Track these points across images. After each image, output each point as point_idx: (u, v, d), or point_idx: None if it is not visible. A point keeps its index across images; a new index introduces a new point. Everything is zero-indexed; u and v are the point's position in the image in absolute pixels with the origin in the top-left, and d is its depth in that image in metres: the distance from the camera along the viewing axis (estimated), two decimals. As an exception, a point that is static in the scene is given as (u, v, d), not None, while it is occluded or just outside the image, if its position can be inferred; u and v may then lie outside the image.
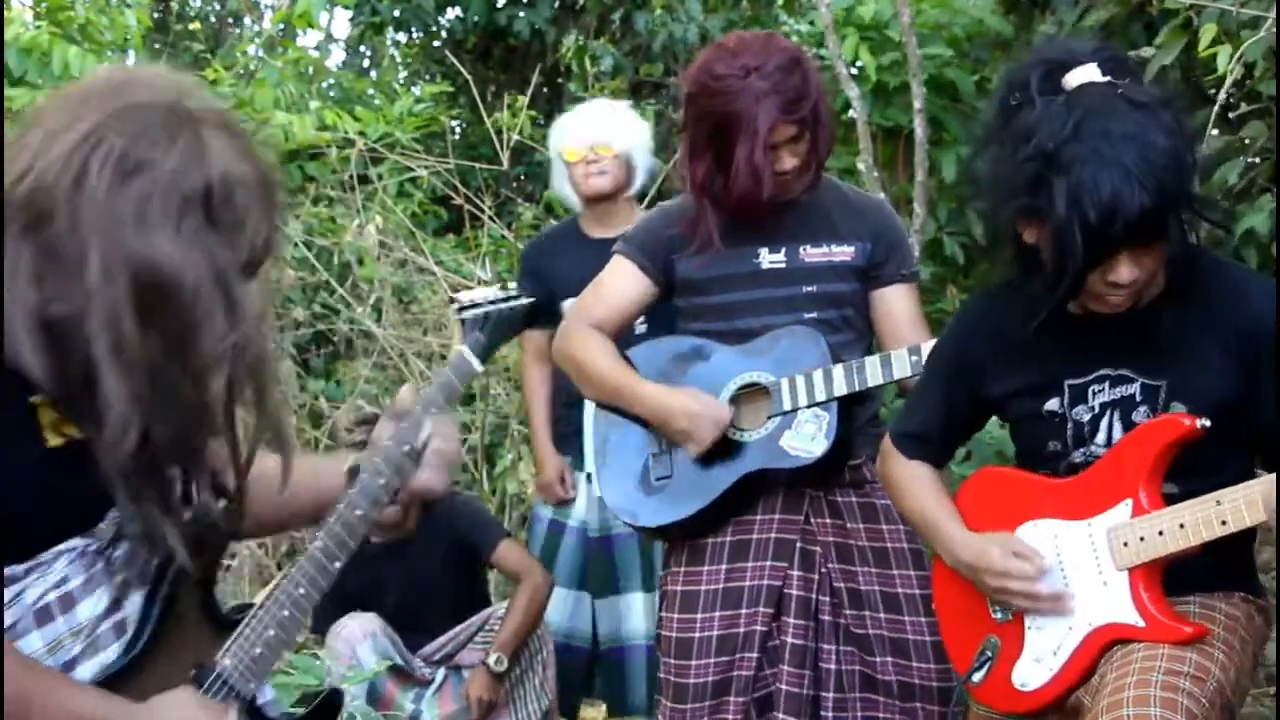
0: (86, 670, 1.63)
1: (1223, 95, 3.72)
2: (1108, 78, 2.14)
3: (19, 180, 1.52)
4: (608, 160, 3.94)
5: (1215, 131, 3.89)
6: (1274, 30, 3.54)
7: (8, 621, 1.57)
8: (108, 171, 1.50)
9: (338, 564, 1.84)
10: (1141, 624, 2.22)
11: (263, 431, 1.66)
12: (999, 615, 2.40)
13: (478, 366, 2.03)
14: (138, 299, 1.49)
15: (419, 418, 1.90)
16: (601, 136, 3.95)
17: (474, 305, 2.07)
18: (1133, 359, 2.27)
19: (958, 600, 2.48)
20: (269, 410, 1.64)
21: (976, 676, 2.39)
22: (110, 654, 1.64)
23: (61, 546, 1.61)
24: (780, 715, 2.88)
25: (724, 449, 2.90)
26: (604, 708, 4.26)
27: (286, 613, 1.78)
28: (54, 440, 1.58)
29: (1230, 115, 3.94)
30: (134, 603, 1.66)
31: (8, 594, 1.58)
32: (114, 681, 1.62)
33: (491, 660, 3.71)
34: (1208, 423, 2.19)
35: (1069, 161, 2.05)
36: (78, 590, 1.62)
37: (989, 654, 2.38)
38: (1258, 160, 3.89)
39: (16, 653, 1.56)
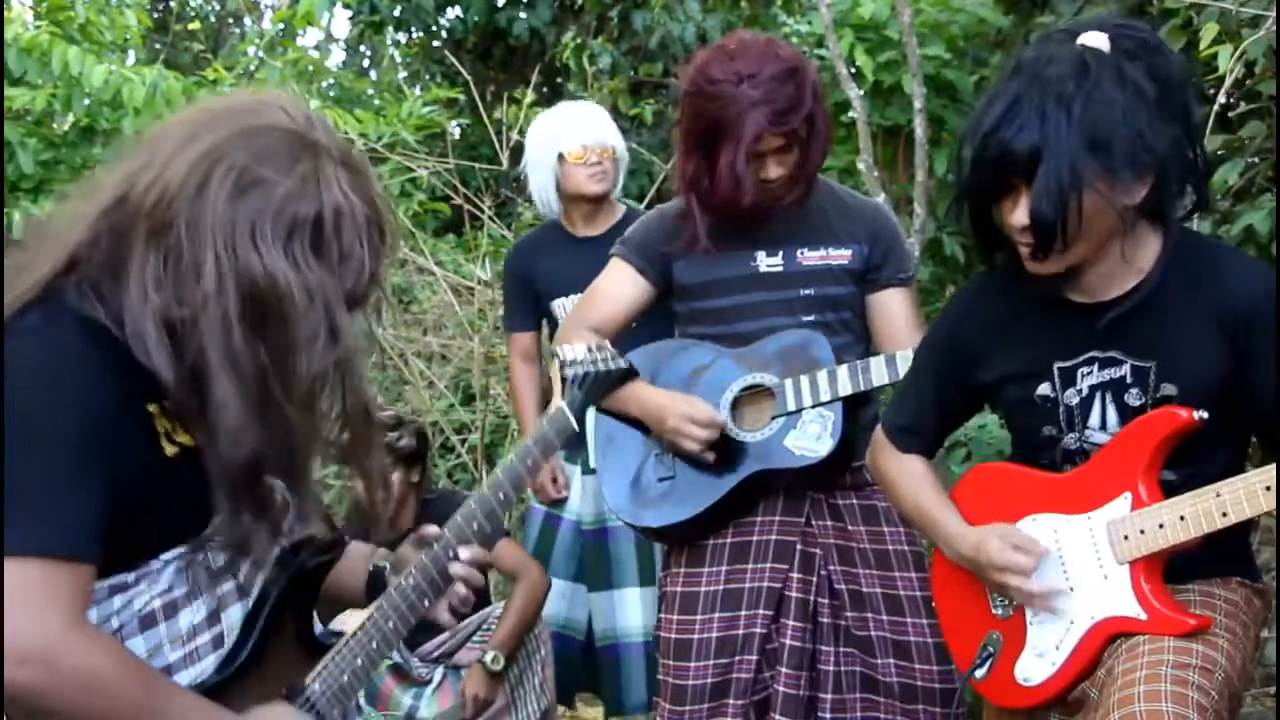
0: (182, 679, 1.66)
1: (1222, 95, 3.72)
2: (1109, 50, 2.16)
3: (147, 189, 1.58)
4: (609, 162, 3.96)
5: (1216, 130, 3.89)
6: (1274, 30, 3.54)
7: (115, 626, 1.62)
8: (228, 184, 1.56)
9: (427, 602, 1.89)
10: (1144, 617, 2.22)
11: (365, 458, 1.71)
12: (1000, 611, 2.40)
13: (575, 426, 2.04)
14: (247, 308, 1.55)
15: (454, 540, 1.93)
16: (603, 138, 3.97)
17: (577, 363, 2.09)
18: (1121, 341, 2.28)
19: (958, 597, 2.48)
20: (366, 439, 1.69)
21: (979, 673, 2.39)
22: (208, 665, 1.67)
23: (168, 555, 1.65)
24: (777, 717, 2.88)
25: (726, 450, 2.90)
26: (601, 708, 4.27)
27: (375, 644, 1.84)
28: (169, 449, 1.64)
29: (1230, 115, 3.94)
30: (233, 616, 1.70)
31: (118, 601, 1.62)
32: (207, 694, 1.65)
33: (488, 659, 3.71)
34: (1205, 414, 2.19)
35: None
36: (181, 599, 1.66)
37: (991, 650, 2.38)
38: (1257, 160, 3.89)
39: (136, 657, 1.60)
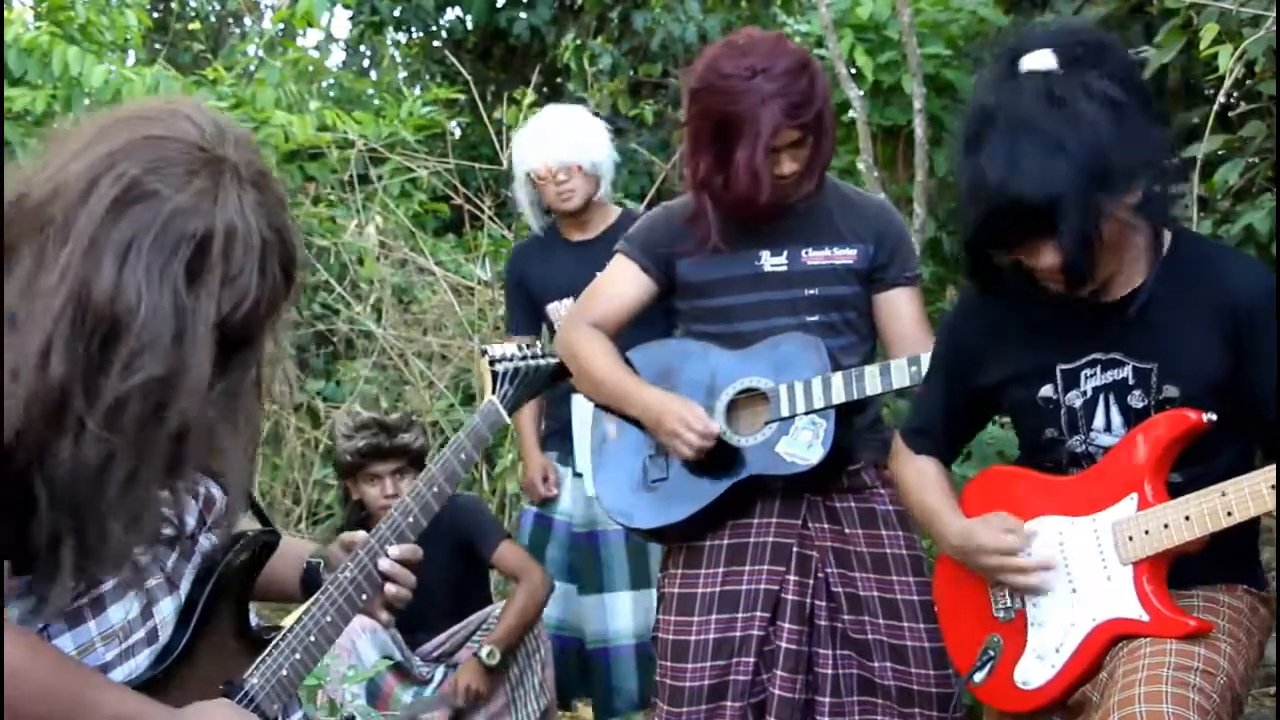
0: (117, 676, 1.63)
1: (1222, 95, 3.72)
2: (1058, 66, 2.15)
3: (41, 188, 1.53)
4: (576, 179, 3.95)
5: (1216, 130, 3.89)
6: (1274, 30, 3.54)
7: (39, 625, 1.57)
8: (113, 193, 1.50)
9: (365, 597, 1.89)
10: (1146, 618, 2.22)
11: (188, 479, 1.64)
12: (1001, 614, 2.40)
13: (506, 418, 2.08)
14: (76, 315, 1.47)
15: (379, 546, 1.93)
16: (568, 155, 3.95)
17: (505, 359, 2.13)
18: (1123, 343, 2.28)
19: (959, 600, 2.48)
20: (192, 464, 1.60)
21: (978, 676, 2.39)
22: (141, 661, 1.65)
23: None
24: (771, 720, 2.87)
25: (720, 453, 2.90)
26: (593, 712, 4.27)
27: (313, 638, 1.82)
28: None
29: (1230, 115, 3.95)
30: (164, 610, 1.68)
31: (36, 597, 1.57)
32: (143, 690, 1.63)
33: (484, 652, 3.71)
34: (1214, 416, 2.19)
35: (977, 143, 2.14)
36: (109, 594, 1.63)
37: (991, 653, 2.37)
38: (1257, 160, 3.89)
39: (57, 651, 1.57)
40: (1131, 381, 2.28)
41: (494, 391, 2.12)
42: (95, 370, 1.48)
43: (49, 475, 1.48)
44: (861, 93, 4.94)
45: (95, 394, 1.48)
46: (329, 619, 1.84)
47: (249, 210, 1.54)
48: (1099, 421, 2.31)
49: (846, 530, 2.94)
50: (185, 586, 1.70)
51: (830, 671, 2.91)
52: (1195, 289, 2.23)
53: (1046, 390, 2.34)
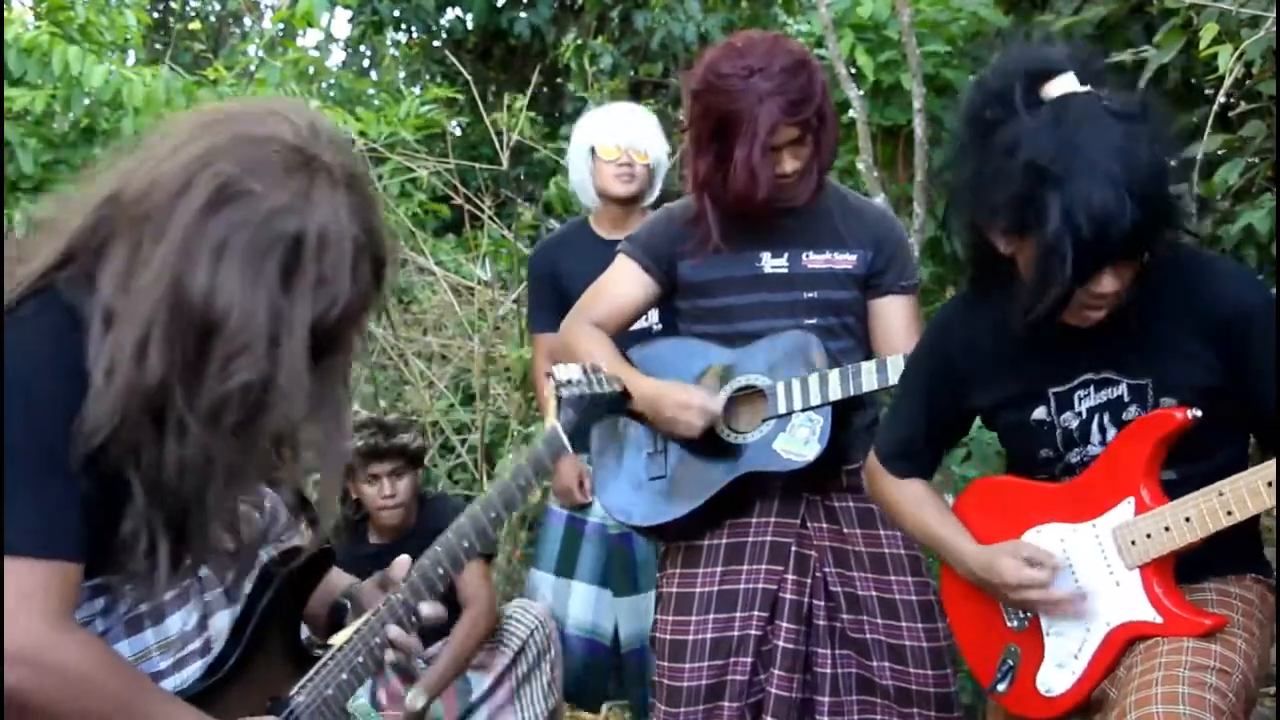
0: (168, 685, 1.65)
1: (1222, 95, 3.72)
2: (1087, 86, 2.13)
3: (138, 184, 1.54)
4: (639, 166, 3.94)
5: (1216, 130, 3.89)
6: (1274, 30, 3.54)
7: (101, 629, 1.60)
8: (208, 192, 1.50)
9: (415, 619, 1.88)
10: (1159, 620, 2.23)
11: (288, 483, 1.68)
12: (1014, 623, 2.40)
13: (569, 448, 2.04)
14: (173, 314, 1.48)
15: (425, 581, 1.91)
16: (639, 142, 3.95)
17: (571, 384, 2.08)
18: (1114, 361, 2.27)
19: (971, 609, 2.48)
20: (295, 465, 1.63)
21: (1001, 686, 2.40)
22: (193, 672, 1.67)
23: None
24: (769, 719, 2.87)
25: (718, 451, 2.90)
26: (604, 708, 4.26)
27: (361, 659, 1.83)
28: None
29: (1230, 115, 3.94)
30: (220, 623, 1.70)
31: (101, 603, 1.61)
32: (192, 701, 1.64)
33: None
34: (1199, 413, 2.19)
35: (1061, 177, 2.03)
36: (169, 603, 1.65)
37: (1010, 663, 2.38)
38: (1257, 160, 3.89)
39: (119, 657, 1.58)
40: (1127, 398, 2.27)
41: (557, 416, 2.07)
42: (193, 370, 1.49)
43: (147, 473, 1.50)
44: (861, 93, 4.94)
45: (195, 394, 1.49)
46: (377, 640, 1.84)
47: (342, 212, 1.54)
48: (1095, 437, 2.31)
49: (845, 530, 2.94)
50: (242, 600, 1.72)
51: (828, 671, 2.91)
52: (1185, 301, 2.22)
53: (1039, 413, 2.33)
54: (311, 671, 1.79)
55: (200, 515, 1.54)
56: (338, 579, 1.95)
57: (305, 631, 1.89)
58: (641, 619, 3.88)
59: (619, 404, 2.15)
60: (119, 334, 1.48)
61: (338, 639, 1.83)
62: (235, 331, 1.48)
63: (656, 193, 4.08)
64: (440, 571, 1.91)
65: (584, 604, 3.91)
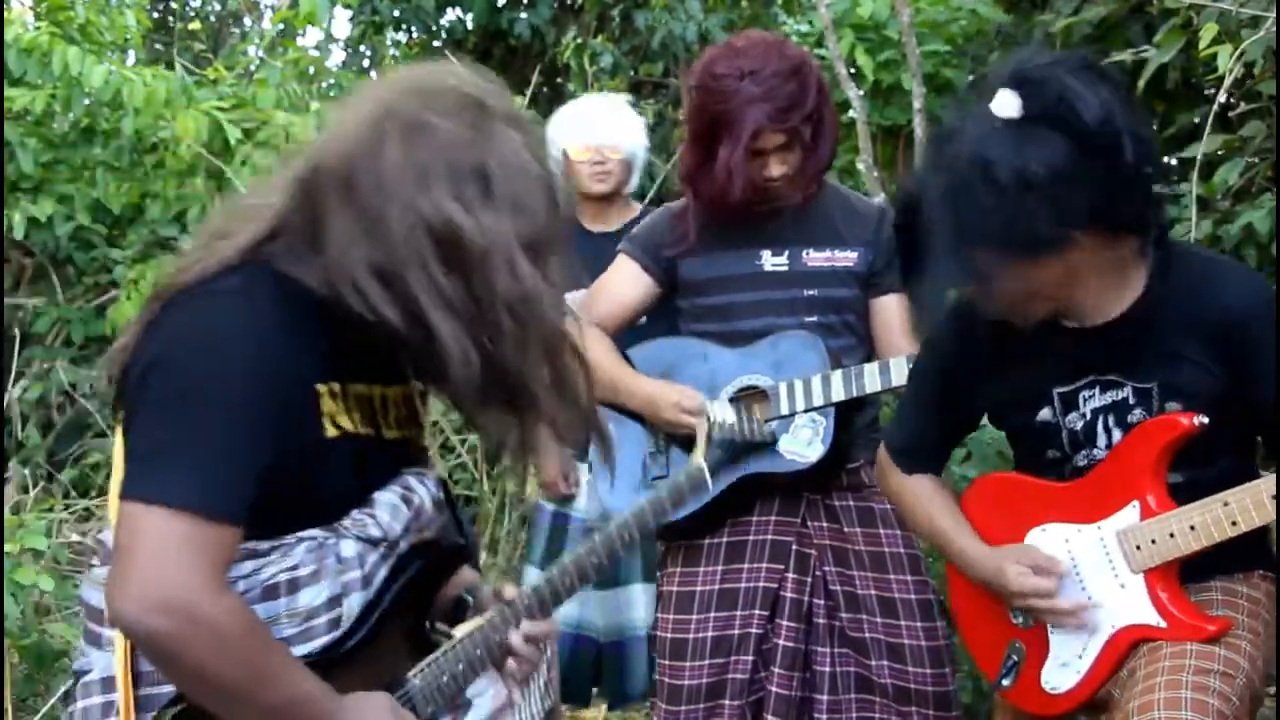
0: (294, 652, 1.67)
1: (1222, 95, 3.72)
2: (1018, 109, 2.08)
3: (333, 152, 1.64)
4: (613, 162, 3.96)
5: (1216, 130, 3.89)
6: (1274, 30, 3.54)
7: (241, 590, 1.65)
8: (397, 133, 1.60)
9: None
10: (1163, 625, 2.23)
11: (564, 409, 1.75)
12: (1020, 620, 2.40)
13: (710, 486, 2.10)
14: (438, 250, 1.59)
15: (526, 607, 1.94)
16: (609, 138, 3.96)
17: (726, 427, 2.11)
18: (1119, 363, 2.26)
19: (977, 604, 2.48)
20: (569, 389, 1.74)
21: (1006, 681, 2.40)
22: (319, 644, 1.69)
23: (304, 534, 1.68)
24: (769, 717, 2.87)
25: (724, 442, 2.90)
26: (604, 708, 4.25)
27: (479, 652, 1.85)
28: (331, 431, 1.68)
29: (1230, 115, 3.95)
30: (354, 604, 1.72)
31: (248, 566, 1.65)
32: (313, 667, 1.67)
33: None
34: (1206, 419, 2.19)
35: (927, 195, 2.11)
36: (305, 578, 1.68)
37: (1015, 659, 2.38)
38: (1257, 160, 3.90)
39: (257, 618, 1.63)
40: (1132, 401, 2.26)
41: (705, 454, 2.09)
42: (479, 289, 1.61)
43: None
44: (861, 93, 4.95)
45: (492, 307, 1.61)
46: (498, 638, 1.87)
47: (519, 146, 1.64)
48: (1101, 440, 2.30)
49: (845, 529, 2.94)
50: (377, 585, 1.74)
51: (828, 669, 2.91)
52: (1190, 304, 2.21)
53: (1045, 414, 2.33)
54: (431, 658, 1.82)
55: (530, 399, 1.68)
56: (465, 574, 1.97)
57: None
58: (620, 612, 3.91)
59: (765, 447, 2.18)
60: (408, 286, 1.59)
61: (460, 630, 1.86)
62: (481, 252, 1.59)
63: (635, 181, 4.09)
64: (567, 584, 1.96)
65: (570, 600, 3.92)
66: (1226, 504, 2.15)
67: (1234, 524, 2.15)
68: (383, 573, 1.74)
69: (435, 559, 1.83)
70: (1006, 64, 2.21)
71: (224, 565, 1.58)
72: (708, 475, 2.03)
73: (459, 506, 1.90)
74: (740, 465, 2.89)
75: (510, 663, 1.91)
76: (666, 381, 2.93)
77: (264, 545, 1.66)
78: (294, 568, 1.68)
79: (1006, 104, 2.09)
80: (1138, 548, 2.24)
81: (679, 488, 2.02)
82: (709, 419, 2.09)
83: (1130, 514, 2.25)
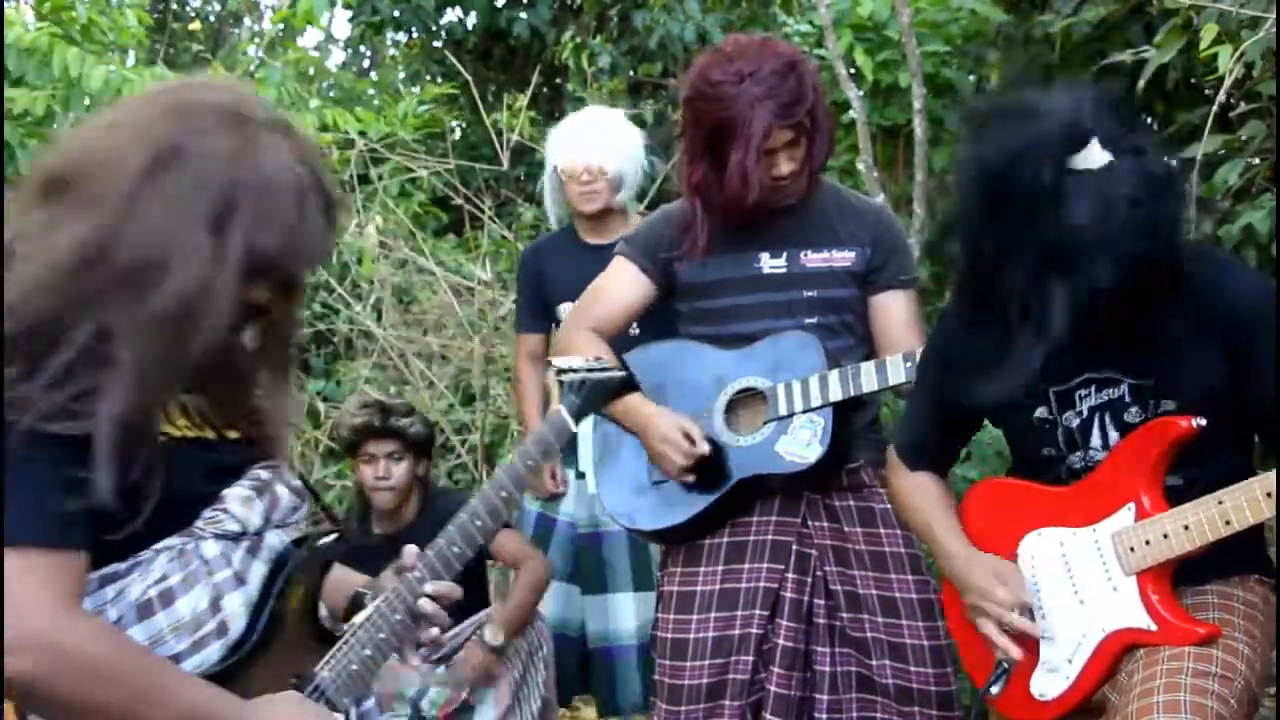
0: (187, 667, 1.66)
1: (1222, 95, 3.72)
2: (1108, 154, 2.09)
3: (61, 158, 1.60)
4: (601, 182, 3.98)
5: (1216, 130, 3.89)
6: (1274, 30, 3.54)
7: (113, 617, 1.62)
8: (144, 159, 1.56)
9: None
10: (1154, 628, 2.23)
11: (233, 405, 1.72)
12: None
13: (574, 428, 2.07)
14: (129, 273, 1.54)
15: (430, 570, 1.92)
16: (597, 158, 3.98)
17: (573, 370, 2.12)
18: (1116, 360, 2.26)
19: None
20: (235, 397, 1.70)
21: (994, 689, 2.40)
22: (212, 654, 1.68)
23: (160, 545, 1.65)
24: (768, 717, 2.87)
25: (719, 455, 2.90)
26: (593, 711, 4.27)
27: (383, 635, 1.85)
28: (168, 436, 1.65)
29: (1230, 115, 3.95)
30: (233, 604, 1.70)
31: (110, 591, 1.63)
32: (215, 680, 1.65)
33: (488, 633, 3.68)
34: (1203, 422, 2.18)
35: (1074, 247, 2.04)
36: (177, 587, 1.66)
37: (1005, 666, 2.37)
38: (1257, 160, 3.89)
39: (128, 638, 1.60)
40: (1128, 399, 2.27)
41: (561, 401, 2.10)
42: (130, 303, 1.54)
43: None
44: (861, 93, 4.95)
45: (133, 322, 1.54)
46: (398, 618, 1.86)
47: (284, 158, 1.61)
48: (1096, 439, 2.30)
49: (845, 528, 2.94)
50: (254, 582, 1.72)
51: (828, 669, 2.91)
52: (1190, 301, 2.21)
53: (1041, 412, 2.33)
54: (335, 649, 1.81)
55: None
56: (347, 578, 1.96)
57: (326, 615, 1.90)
58: (608, 619, 3.92)
59: (627, 388, 2.18)
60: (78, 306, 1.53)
61: (357, 619, 1.86)
62: (170, 271, 1.54)
63: (629, 194, 4.10)
64: (456, 550, 1.93)
65: (552, 600, 3.95)
66: (1221, 503, 2.15)
67: (1228, 523, 2.14)
68: (258, 569, 1.72)
69: (313, 550, 1.81)
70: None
71: (74, 593, 1.53)
72: (567, 417, 2.03)
73: (320, 494, 1.89)
74: (740, 468, 2.90)
75: (420, 630, 1.90)
76: (664, 410, 2.92)
77: (121, 566, 1.63)
78: (162, 579, 1.65)
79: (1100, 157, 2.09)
80: (1131, 549, 2.24)
81: (543, 436, 2.03)
82: (554, 368, 2.12)
83: (1125, 516, 2.25)
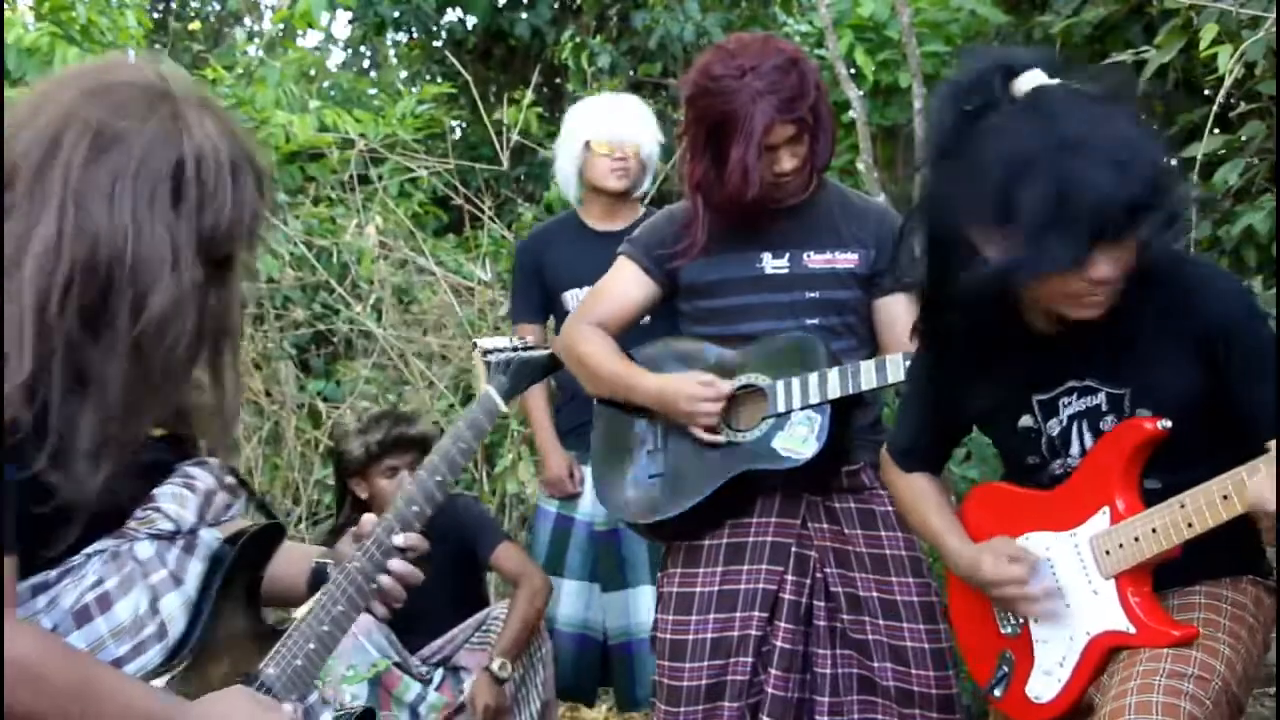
0: (129, 671, 1.64)
1: (1222, 95, 3.72)
2: (1055, 79, 2.11)
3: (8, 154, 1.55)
4: (634, 160, 3.95)
5: (1216, 130, 3.89)
6: (1274, 30, 3.54)
7: (49, 625, 1.59)
8: (83, 146, 1.53)
9: (374, 586, 1.89)
10: (1132, 630, 2.23)
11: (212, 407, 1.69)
12: (1008, 630, 2.41)
13: (503, 407, 2.07)
14: (80, 269, 1.51)
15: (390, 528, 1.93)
16: (633, 135, 3.95)
17: (498, 350, 2.13)
18: (1096, 369, 2.26)
19: (971, 613, 2.50)
20: (222, 384, 1.68)
21: (997, 691, 2.42)
22: (153, 657, 1.65)
23: (91, 549, 1.62)
24: (765, 718, 2.87)
25: (716, 449, 2.90)
26: (604, 709, 4.26)
27: (326, 628, 1.83)
28: None
29: (1230, 115, 3.95)
30: (171, 605, 1.68)
31: (42, 601, 1.60)
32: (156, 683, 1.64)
33: (495, 666, 3.68)
34: (1169, 424, 2.18)
35: (1047, 160, 2.00)
36: (114, 590, 1.63)
37: (1005, 669, 2.39)
38: (1257, 160, 3.90)
39: (65, 643, 1.58)
40: (1105, 407, 2.27)
41: (489, 381, 2.11)
42: (101, 315, 1.52)
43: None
44: (861, 93, 4.95)
45: (108, 335, 1.53)
46: (340, 609, 1.85)
47: (212, 132, 1.59)
48: (1075, 447, 2.30)
49: (846, 530, 2.94)
50: (191, 581, 1.70)
51: (828, 671, 2.91)
52: (1169, 311, 2.20)
53: (1026, 420, 2.34)
54: (278, 645, 1.79)
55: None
56: (302, 552, 1.95)
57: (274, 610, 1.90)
58: (628, 614, 3.90)
59: (553, 366, 2.22)
60: (16, 290, 1.50)
61: (299, 611, 1.84)
62: (140, 268, 1.53)
63: (647, 184, 4.08)
64: (415, 509, 1.93)
65: (573, 600, 3.93)
66: (1183, 505, 2.14)
67: (1190, 525, 2.13)
68: (195, 568, 1.70)
69: (249, 545, 1.77)
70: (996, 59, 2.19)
71: (9, 598, 1.50)
72: (495, 397, 2.04)
73: (253, 486, 1.88)
74: (736, 463, 2.89)
75: (384, 579, 1.89)
76: (677, 375, 2.93)
77: (52, 574, 1.60)
78: (98, 584, 1.62)
79: (1040, 77, 2.11)
80: (1107, 552, 2.25)
81: (474, 417, 2.04)
82: (479, 349, 2.15)
83: (1101, 520, 2.26)
